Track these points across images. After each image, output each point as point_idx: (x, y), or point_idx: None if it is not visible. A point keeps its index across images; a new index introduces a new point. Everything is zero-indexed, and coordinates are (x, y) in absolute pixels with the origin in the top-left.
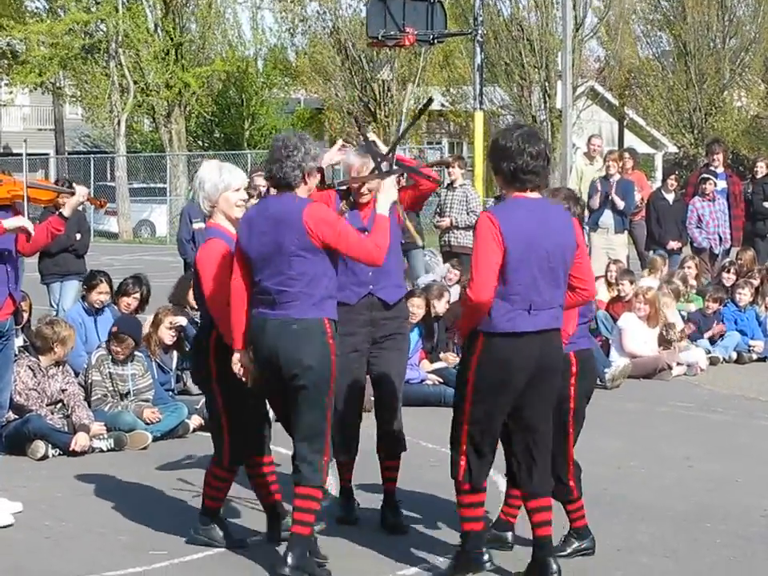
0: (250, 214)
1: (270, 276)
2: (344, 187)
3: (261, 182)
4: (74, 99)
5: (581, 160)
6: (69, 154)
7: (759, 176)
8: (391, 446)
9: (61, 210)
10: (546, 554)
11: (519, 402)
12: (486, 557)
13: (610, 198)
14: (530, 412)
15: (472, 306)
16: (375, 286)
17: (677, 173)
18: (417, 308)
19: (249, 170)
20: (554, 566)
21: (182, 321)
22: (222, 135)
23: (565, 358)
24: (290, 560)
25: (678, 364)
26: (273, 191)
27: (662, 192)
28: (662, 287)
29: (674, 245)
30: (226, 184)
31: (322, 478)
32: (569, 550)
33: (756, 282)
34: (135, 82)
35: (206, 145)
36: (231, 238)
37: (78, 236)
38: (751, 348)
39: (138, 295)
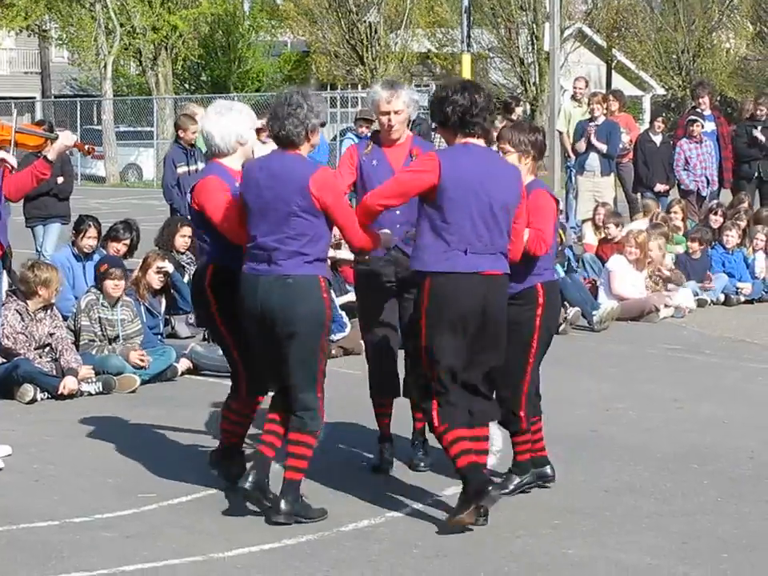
0: (252, 167)
1: (267, 232)
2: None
3: None
4: (60, 42)
5: (568, 102)
6: (55, 97)
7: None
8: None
9: (45, 154)
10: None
11: (470, 341)
12: (489, 486)
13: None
14: (478, 354)
15: (363, 208)
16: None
17: (663, 115)
18: None
19: None
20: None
21: (169, 267)
22: (209, 78)
23: (532, 289)
24: (283, 506)
25: (666, 306)
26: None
27: (650, 134)
28: (648, 230)
29: (660, 187)
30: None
31: (320, 424)
32: (511, 487)
33: (743, 224)
34: (121, 25)
35: (192, 88)
36: (232, 176)
37: (60, 179)
38: (739, 290)
39: (127, 241)
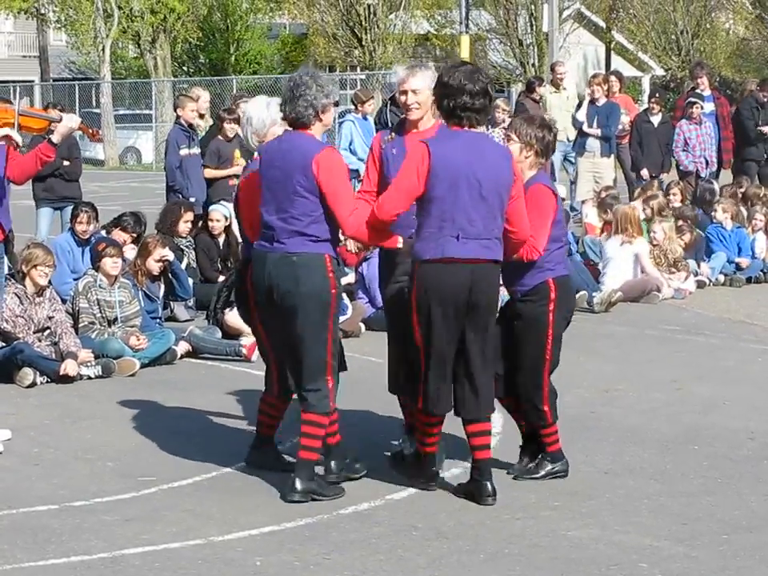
0: (266, 147)
1: (273, 211)
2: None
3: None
4: (59, 26)
5: (546, 88)
6: (54, 80)
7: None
8: None
9: (50, 137)
10: (484, 477)
11: (461, 329)
12: (435, 471)
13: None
14: (467, 342)
15: (374, 221)
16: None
17: (657, 95)
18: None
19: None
20: (490, 488)
21: (170, 255)
22: (208, 61)
23: (544, 285)
24: (298, 485)
25: (667, 287)
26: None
27: (648, 114)
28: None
29: (645, 173)
30: (273, 118)
31: (330, 404)
32: (542, 473)
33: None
34: (120, 8)
35: (191, 71)
36: None
37: (66, 163)
38: (737, 266)
39: (135, 234)
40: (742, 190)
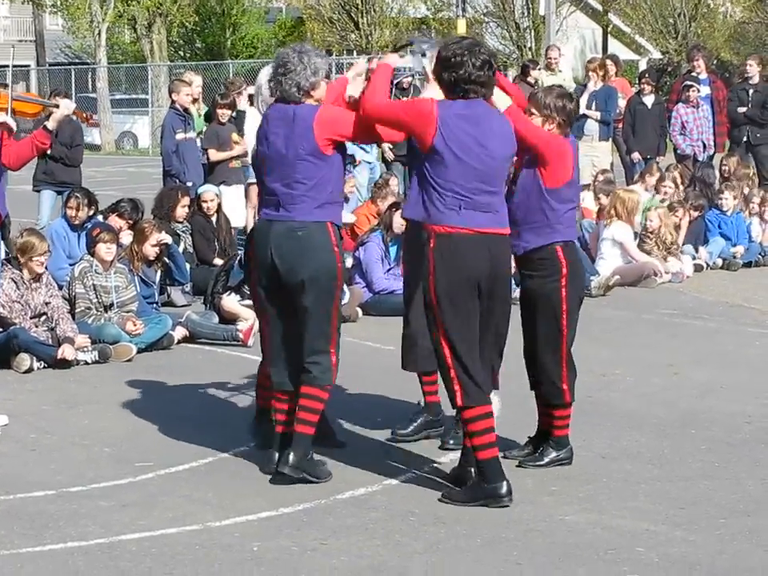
0: (265, 116)
1: (276, 178)
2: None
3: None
4: (54, 10)
5: (541, 72)
6: (50, 65)
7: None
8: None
9: (45, 124)
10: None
11: (483, 306)
12: (504, 488)
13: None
14: (493, 317)
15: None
16: None
17: (647, 75)
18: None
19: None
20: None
21: (168, 239)
22: (204, 45)
23: (553, 256)
24: (291, 458)
25: (665, 272)
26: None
27: (641, 96)
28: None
29: (636, 156)
30: None
31: (331, 378)
32: (546, 460)
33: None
34: None
35: (187, 55)
36: None
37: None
38: (734, 255)
39: (131, 220)
40: (726, 168)
